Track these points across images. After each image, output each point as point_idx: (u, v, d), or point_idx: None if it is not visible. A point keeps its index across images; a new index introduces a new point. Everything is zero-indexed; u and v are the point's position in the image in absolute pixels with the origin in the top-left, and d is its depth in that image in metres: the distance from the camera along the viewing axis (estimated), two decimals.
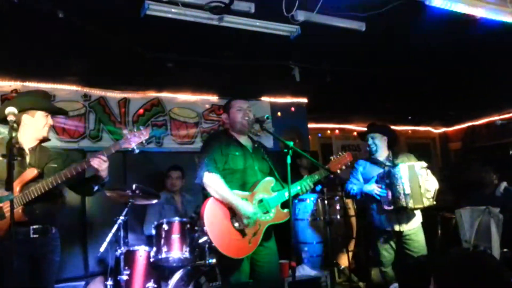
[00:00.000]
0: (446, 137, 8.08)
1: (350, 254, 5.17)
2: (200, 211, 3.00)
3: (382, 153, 4.08)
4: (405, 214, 3.86)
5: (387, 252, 4.00)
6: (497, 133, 6.80)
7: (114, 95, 5.37)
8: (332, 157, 3.41)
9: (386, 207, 3.81)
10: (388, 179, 3.79)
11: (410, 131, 8.17)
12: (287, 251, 3.24)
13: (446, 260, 1.59)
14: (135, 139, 2.82)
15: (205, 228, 2.92)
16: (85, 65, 4.80)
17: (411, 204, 3.70)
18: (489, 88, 6.14)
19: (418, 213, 3.96)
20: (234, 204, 2.92)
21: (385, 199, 3.80)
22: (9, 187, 2.46)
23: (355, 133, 7.73)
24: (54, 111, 3.11)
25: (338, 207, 5.24)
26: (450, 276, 1.48)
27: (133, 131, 2.85)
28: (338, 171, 3.36)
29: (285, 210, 3.10)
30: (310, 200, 4.96)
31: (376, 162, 4.06)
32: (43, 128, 2.92)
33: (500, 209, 4.63)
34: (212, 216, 2.96)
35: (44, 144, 3.00)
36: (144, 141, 2.87)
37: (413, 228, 3.91)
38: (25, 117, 2.86)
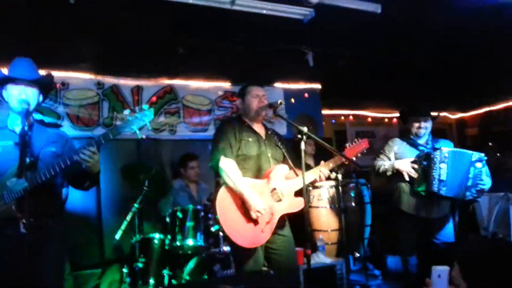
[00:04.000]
0: (463, 123, 7.92)
1: (366, 241, 5.12)
2: (212, 199, 2.97)
3: (425, 137, 3.90)
4: (435, 200, 3.68)
5: (410, 238, 3.83)
6: None
7: (127, 82, 5.34)
8: (347, 144, 3.33)
9: (415, 189, 3.67)
10: (426, 161, 3.62)
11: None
12: (302, 239, 3.21)
13: (470, 247, 1.56)
14: (137, 122, 2.52)
15: (217, 217, 2.89)
16: (98, 52, 4.79)
17: (442, 192, 3.53)
18: (506, 72, 5.98)
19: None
20: (245, 195, 2.87)
21: (417, 180, 3.65)
22: (21, 174, 2.45)
23: (369, 119, 7.62)
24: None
25: (353, 195, 5.17)
26: (476, 264, 1.45)
27: (134, 112, 2.54)
28: (354, 159, 3.28)
29: (299, 199, 3.05)
30: (324, 188, 4.91)
31: (415, 144, 3.88)
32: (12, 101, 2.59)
33: None
34: (225, 205, 2.91)
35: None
36: (148, 124, 2.55)
37: (442, 216, 3.75)
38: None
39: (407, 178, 3.72)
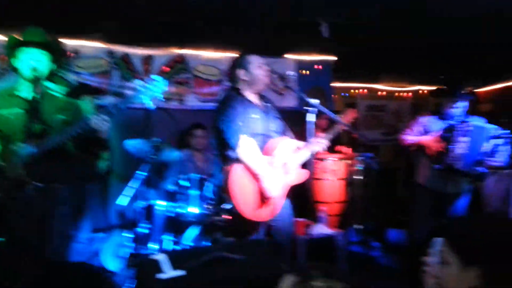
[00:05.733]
0: (476, 98, 7.77)
1: (368, 215, 5.18)
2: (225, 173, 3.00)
3: (459, 117, 3.78)
4: (452, 175, 3.64)
5: (423, 212, 3.82)
6: None
7: (137, 52, 5.38)
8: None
9: (434, 162, 3.65)
10: (448, 133, 3.59)
11: (440, 92, 7.87)
12: (305, 210, 3.28)
13: (462, 224, 1.58)
14: (148, 92, 2.57)
15: (229, 186, 2.94)
16: (109, 21, 4.82)
17: (458, 165, 3.52)
18: None
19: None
20: (263, 179, 2.91)
21: (437, 153, 3.61)
22: (29, 140, 2.55)
23: (381, 93, 7.53)
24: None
25: (359, 168, 5.20)
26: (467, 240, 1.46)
27: (146, 83, 2.58)
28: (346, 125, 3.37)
29: (305, 171, 3.11)
30: (329, 160, 4.94)
31: (445, 118, 3.80)
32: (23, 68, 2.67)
33: None
34: (240, 176, 2.95)
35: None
36: (160, 94, 2.61)
37: (458, 192, 3.73)
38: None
39: (435, 150, 3.65)
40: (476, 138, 3.51)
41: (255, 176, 2.94)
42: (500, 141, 3.49)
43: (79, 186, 3.02)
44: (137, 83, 2.62)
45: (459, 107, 3.75)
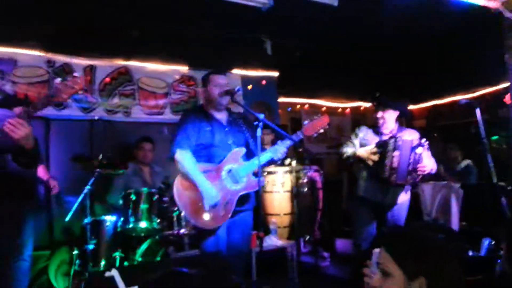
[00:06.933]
0: (411, 115, 8.29)
1: (316, 225, 5.29)
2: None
3: (388, 127, 3.91)
4: (391, 187, 3.78)
5: (365, 223, 3.91)
6: (460, 112, 7.01)
7: (79, 61, 5.17)
8: (305, 122, 3.33)
9: (371, 176, 3.78)
10: (381, 148, 3.72)
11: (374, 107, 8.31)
12: (255, 222, 3.28)
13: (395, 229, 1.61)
14: (67, 90, 2.46)
15: (175, 198, 2.96)
16: (49, 29, 4.61)
17: (393, 178, 3.66)
18: (454, 67, 6.30)
19: (407, 189, 3.90)
20: (200, 186, 2.95)
21: (373, 167, 3.74)
22: None
23: (324, 109, 7.81)
24: None
25: (305, 180, 5.31)
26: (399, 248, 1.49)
27: (65, 80, 2.47)
28: (315, 134, 3.34)
29: (256, 179, 3.11)
30: (278, 173, 5.01)
31: (379, 133, 3.93)
32: None
33: (460, 184, 4.82)
34: (182, 190, 3.00)
35: None
36: (80, 91, 2.53)
37: (397, 203, 3.85)
38: None
39: (370, 164, 3.77)
40: (405, 151, 3.68)
41: (193, 184, 2.99)
42: (420, 148, 3.68)
43: (16, 203, 2.78)
44: (56, 81, 2.52)
45: (379, 118, 3.89)
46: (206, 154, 3.11)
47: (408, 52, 6.02)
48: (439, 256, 1.42)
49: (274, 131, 4.56)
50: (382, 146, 3.74)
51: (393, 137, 3.75)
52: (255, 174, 3.12)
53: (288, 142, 3.18)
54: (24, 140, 2.40)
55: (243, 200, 3.11)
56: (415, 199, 4.97)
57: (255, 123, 2.90)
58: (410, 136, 3.85)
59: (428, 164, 3.73)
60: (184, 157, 3.02)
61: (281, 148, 3.16)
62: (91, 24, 4.62)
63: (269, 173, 4.97)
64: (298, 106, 7.68)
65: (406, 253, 1.43)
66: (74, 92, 2.50)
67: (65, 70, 5.09)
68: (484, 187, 4.55)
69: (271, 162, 3.23)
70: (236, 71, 6.22)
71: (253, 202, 3.25)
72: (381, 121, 3.90)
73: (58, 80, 2.51)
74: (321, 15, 4.37)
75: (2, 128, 2.34)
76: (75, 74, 2.56)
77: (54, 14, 4.32)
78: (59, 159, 4.69)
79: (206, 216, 2.96)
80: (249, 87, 6.25)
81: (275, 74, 6.56)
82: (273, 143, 5.79)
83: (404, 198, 3.90)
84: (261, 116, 2.83)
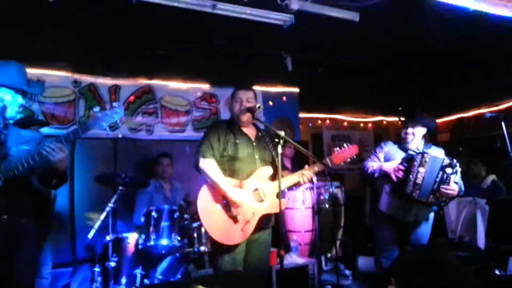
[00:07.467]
0: (435, 128, 8.17)
1: (338, 243, 5.23)
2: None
3: (415, 143, 3.88)
4: (412, 204, 3.71)
5: (386, 239, 3.85)
6: (485, 125, 6.87)
7: (104, 81, 5.31)
8: (336, 149, 3.32)
9: (395, 191, 3.72)
10: (407, 163, 3.66)
11: (400, 122, 8.20)
12: (276, 240, 3.27)
13: (402, 258, 1.58)
14: (107, 119, 2.58)
15: (198, 209, 3.00)
16: (75, 50, 4.74)
17: (415, 195, 3.58)
18: (479, 80, 6.19)
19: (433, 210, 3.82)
20: (226, 191, 2.97)
21: (397, 182, 3.67)
22: None
23: (345, 123, 7.77)
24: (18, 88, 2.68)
25: (327, 197, 5.28)
26: (406, 274, 1.46)
27: (104, 110, 2.60)
28: (342, 163, 3.34)
29: (281, 200, 3.11)
30: (299, 190, 4.99)
31: (405, 148, 3.88)
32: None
33: (486, 200, 4.69)
34: (205, 202, 3.02)
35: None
36: (118, 121, 2.67)
37: (419, 220, 3.79)
38: None
39: (394, 179, 3.71)
40: (433, 168, 3.60)
41: (221, 194, 3.01)
42: (450, 169, 3.59)
43: (41, 220, 2.85)
44: (94, 109, 2.61)
45: (409, 133, 3.86)
46: (230, 167, 3.15)
47: (431, 66, 5.94)
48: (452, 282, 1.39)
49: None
50: (408, 161, 3.67)
51: (422, 153, 3.68)
52: (277, 196, 3.12)
53: (316, 169, 3.17)
54: (60, 163, 2.51)
55: (263, 218, 3.11)
56: (439, 216, 4.88)
57: (276, 140, 2.91)
58: (436, 152, 3.79)
59: (455, 188, 3.62)
60: (208, 166, 3.06)
61: (308, 173, 3.16)
62: (115, 44, 4.74)
63: (290, 189, 4.95)
64: (319, 121, 7.66)
65: (406, 279, 1.43)
66: (113, 121, 2.60)
67: (91, 90, 5.24)
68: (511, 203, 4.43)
69: (298, 184, 3.24)
70: (256, 88, 6.26)
71: (272, 221, 3.25)
72: (410, 138, 3.86)
73: (97, 109, 2.62)
74: (342, 31, 4.38)
75: (40, 151, 2.45)
76: (115, 104, 2.65)
77: (80, 36, 4.45)
78: (84, 178, 4.79)
79: (227, 230, 2.97)
80: (270, 103, 6.28)
81: (296, 90, 6.57)
82: (294, 156, 5.84)
83: (429, 213, 3.84)
84: (282, 133, 2.84)
